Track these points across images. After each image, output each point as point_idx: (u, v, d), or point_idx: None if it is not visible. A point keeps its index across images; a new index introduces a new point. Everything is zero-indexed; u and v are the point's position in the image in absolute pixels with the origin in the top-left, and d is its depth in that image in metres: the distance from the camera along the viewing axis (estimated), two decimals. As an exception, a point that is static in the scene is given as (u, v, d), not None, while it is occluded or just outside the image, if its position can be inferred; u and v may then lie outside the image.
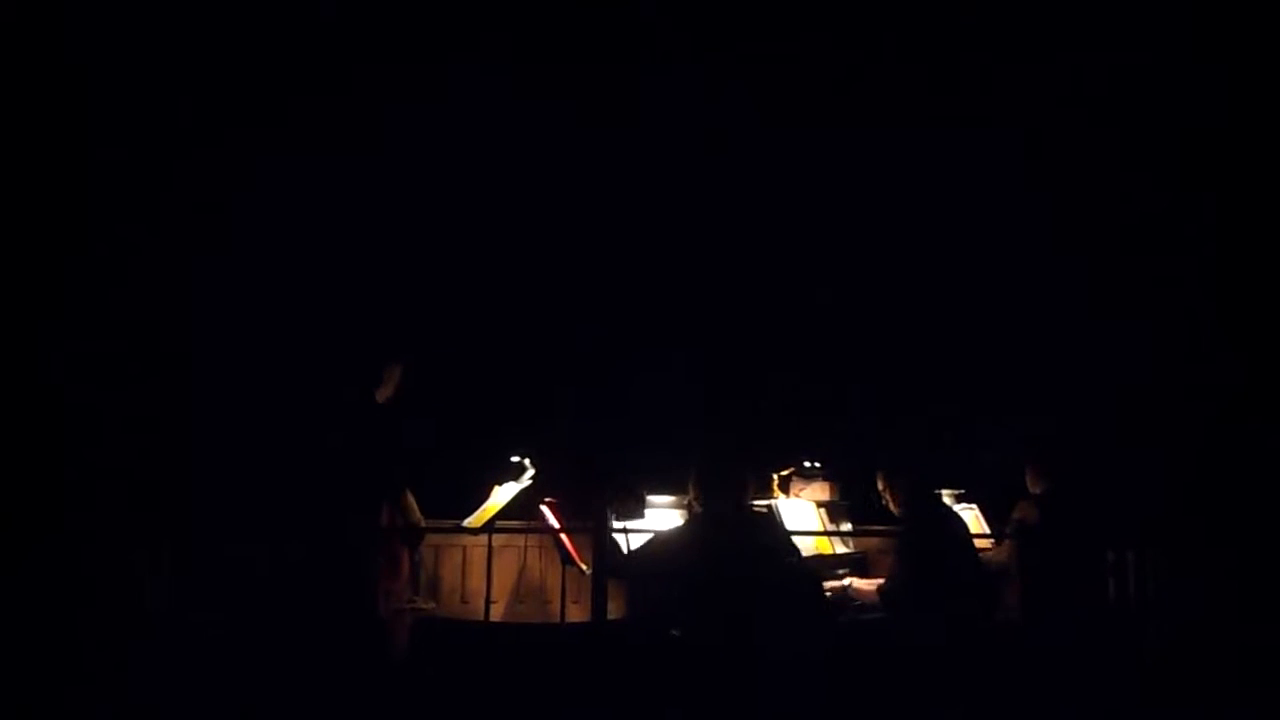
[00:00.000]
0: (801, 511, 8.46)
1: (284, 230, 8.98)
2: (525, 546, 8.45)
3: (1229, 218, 8.79)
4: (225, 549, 7.41)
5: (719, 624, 6.15)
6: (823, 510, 8.62)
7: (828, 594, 7.65)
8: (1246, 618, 7.63)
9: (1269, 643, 7.49)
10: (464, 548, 8.36)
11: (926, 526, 7.49)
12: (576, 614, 7.81)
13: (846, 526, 8.81)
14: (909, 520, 7.54)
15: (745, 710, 6.08)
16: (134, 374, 7.89)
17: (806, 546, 8.10)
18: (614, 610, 7.21)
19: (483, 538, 7.89)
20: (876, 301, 10.61)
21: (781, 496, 8.61)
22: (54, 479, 7.40)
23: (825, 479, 8.89)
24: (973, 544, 7.77)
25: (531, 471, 8.08)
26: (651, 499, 8.08)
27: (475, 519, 7.92)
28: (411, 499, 7.66)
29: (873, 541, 8.66)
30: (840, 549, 8.54)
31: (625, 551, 7.43)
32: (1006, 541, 8.15)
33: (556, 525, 7.87)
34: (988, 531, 8.74)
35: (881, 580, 7.65)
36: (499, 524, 7.87)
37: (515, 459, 8.17)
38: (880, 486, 7.72)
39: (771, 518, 8.00)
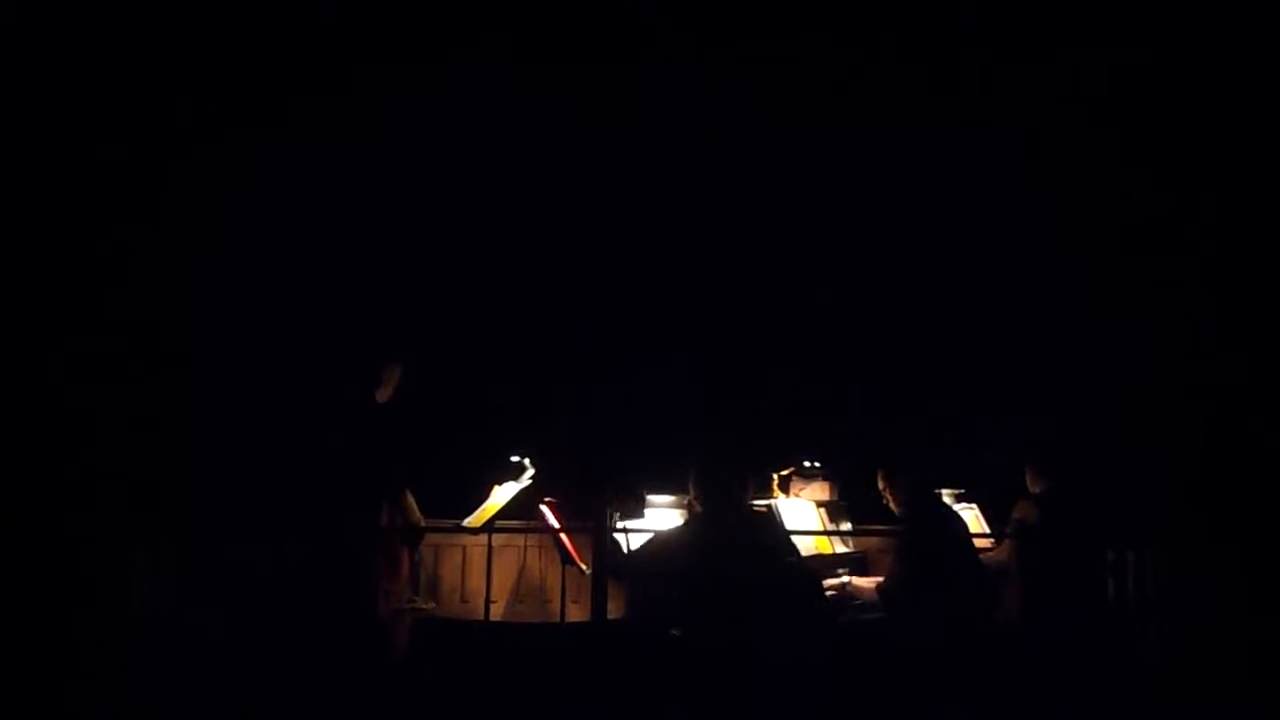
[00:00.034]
0: (801, 511, 8.46)
1: (284, 230, 8.98)
2: (525, 546, 8.47)
3: (1229, 218, 8.79)
4: (225, 549, 7.41)
5: (719, 624, 6.14)
6: (822, 510, 8.62)
7: (827, 593, 7.65)
8: (1246, 617, 7.63)
9: (1268, 642, 7.49)
10: (464, 547, 8.37)
11: (926, 526, 7.49)
12: (576, 614, 7.82)
13: (846, 526, 8.82)
14: (909, 520, 7.55)
15: (745, 710, 6.08)
16: (134, 374, 7.89)
17: (806, 546, 8.10)
18: (614, 610, 7.21)
19: (482, 537, 7.90)
20: (876, 301, 10.60)
21: (781, 496, 8.61)
22: (54, 479, 7.39)
23: (825, 479, 8.88)
24: (972, 543, 7.77)
25: (531, 471, 8.08)
26: (651, 499, 8.08)
27: (475, 519, 7.92)
28: (411, 499, 7.66)
29: (872, 541, 8.67)
30: (840, 548, 8.54)
31: (625, 551, 7.45)
32: (1006, 541, 8.15)
33: (556, 525, 7.87)
34: (987, 531, 8.74)
35: (880, 579, 7.65)
36: (499, 524, 7.87)
37: (515, 459, 8.18)
38: (881, 485, 7.72)
39: (771, 517, 8.00)
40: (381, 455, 7.59)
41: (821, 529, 8.50)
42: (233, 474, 7.59)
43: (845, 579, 8.00)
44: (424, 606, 7.98)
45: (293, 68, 8.88)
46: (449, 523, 8.03)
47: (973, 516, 8.91)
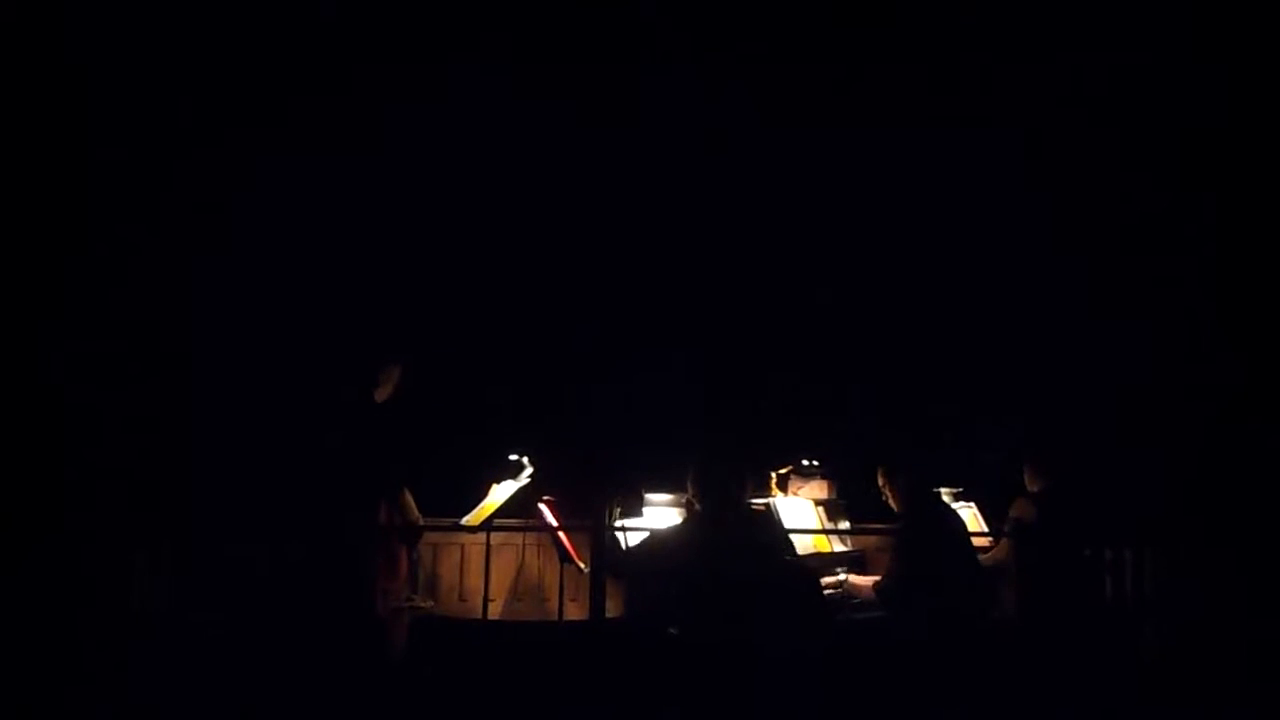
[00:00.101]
0: (799, 509, 8.46)
1: (284, 230, 8.98)
2: (523, 545, 8.49)
3: (1229, 218, 8.78)
4: (225, 548, 7.41)
5: (717, 622, 6.14)
6: (820, 508, 8.63)
7: (825, 592, 7.65)
8: (1244, 617, 7.63)
9: (1266, 642, 7.48)
10: (462, 546, 8.39)
11: (924, 524, 7.50)
12: (574, 612, 7.83)
13: (844, 524, 8.83)
14: (907, 518, 7.55)
15: (743, 708, 6.08)
16: (134, 374, 7.88)
17: (804, 544, 8.13)
18: (612, 609, 7.21)
19: (481, 536, 7.92)
20: (876, 301, 10.60)
21: (779, 494, 8.61)
22: (54, 479, 7.39)
23: (823, 477, 8.90)
24: (970, 542, 7.78)
25: (529, 470, 8.09)
26: (650, 497, 8.09)
27: (473, 517, 7.93)
28: (409, 497, 7.65)
29: (870, 539, 8.68)
30: (838, 547, 8.55)
31: (623, 548, 7.47)
32: (1004, 540, 8.16)
33: (554, 523, 7.88)
34: (986, 530, 8.75)
35: (878, 579, 7.65)
36: (497, 522, 7.90)
37: (513, 457, 8.18)
38: (880, 483, 7.73)
39: (769, 516, 8.01)
40: (380, 454, 7.57)
41: (820, 527, 8.50)
42: (232, 473, 7.58)
43: (843, 577, 8.00)
44: (422, 605, 7.98)
45: (293, 68, 8.87)
46: (447, 521, 8.04)
47: (971, 515, 8.94)
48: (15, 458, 7.37)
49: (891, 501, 7.67)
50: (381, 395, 7.79)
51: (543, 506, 7.94)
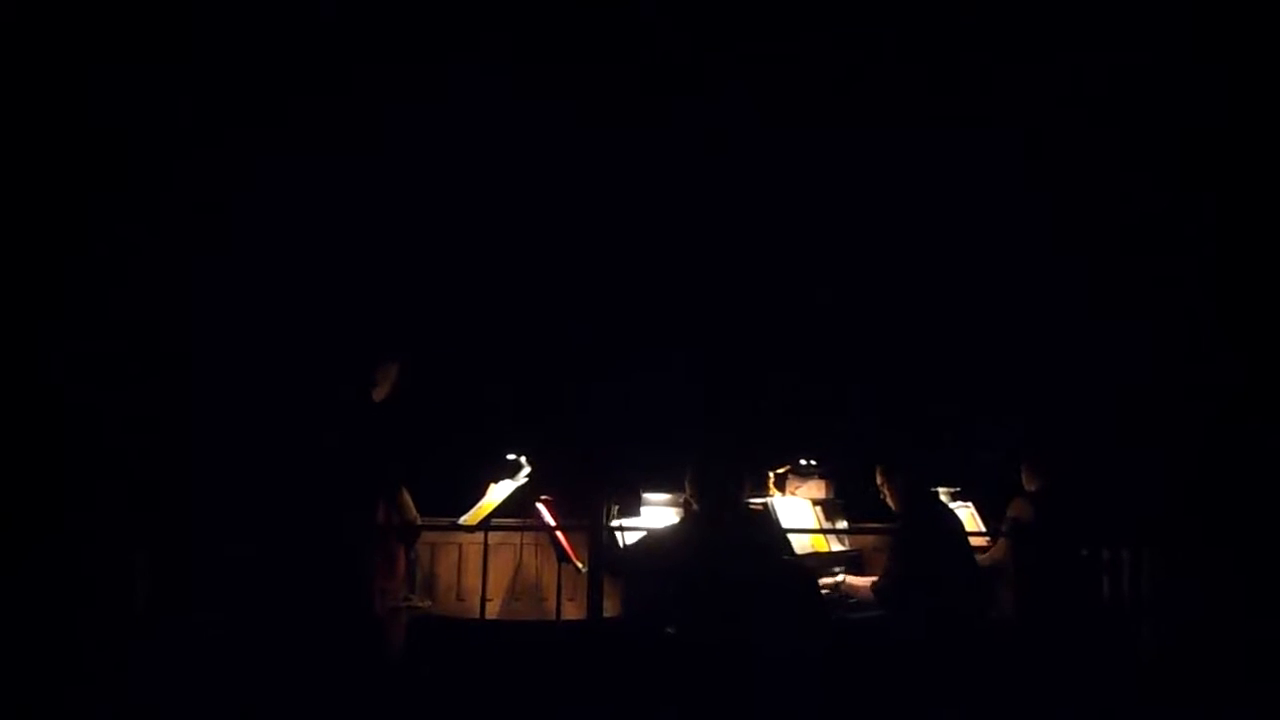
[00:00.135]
0: (797, 509, 8.46)
1: (284, 230, 8.98)
2: (521, 544, 8.46)
3: (1229, 218, 8.78)
4: (224, 548, 7.41)
5: (715, 622, 6.12)
6: (818, 508, 8.63)
7: (823, 592, 7.64)
8: (1241, 617, 7.62)
9: (1264, 642, 7.48)
10: (460, 545, 8.37)
11: (922, 524, 7.49)
12: (572, 612, 7.82)
13: (842, 524, 8.83)
14: (904, 518, 7.55)
15: (741, 708, 6.06)
16: (134, 374, 7.88)
17: (802, 544, 8.13)
18: (610, 608, 7.20)
19: (478, 535, 7.90)
20: (876, 301, 10.61)
21: (777, 494, 8.61)
22: (54, 479, 7.39)
23: (821, 477, 8.90)
24: (968, 541, 7.77)
25: (527, 469, 8.09)
26: (648, 497, 8.09)
27: (471, 516, 7.93)
28: (407, 496, 7.64)
29: (868, 539, 8.68)
30: (836, 546, 8.55)
31: (620, 546, 7.47)
32: (1002, 539, 8.16)
33: (552, 523, 7.88)
34: (983, 529, 8.75)
35: (875, 579, 7.65)
36: (495, 521, 7.89)
37: (511, 457, 8.19)
38: (879, 481, 7.73)
39: (767, 515, 8.00)
40: (377, 453, 7.56)
41: (817, 527, 8.50)
42: (231, 473, 7.58)
43: (840, 578, 7.99)
44: (420, 604, 7.97)
45: (293, 68, 8.87)
46: (445, 520, 8.04)
47: (968, 515, 8.94)
48: (15, 458, 7.36)
49: (890, 501, 7.67)
50: (379, 394, 7.78)
51: (540, 506, 7.94)
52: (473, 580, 8.11)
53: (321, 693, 6.87)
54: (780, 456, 8.81)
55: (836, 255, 10.36)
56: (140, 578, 7.29)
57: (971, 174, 9.71)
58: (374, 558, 7.52)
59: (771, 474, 8.72)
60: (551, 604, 7.88)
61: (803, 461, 8.90)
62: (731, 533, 6.36)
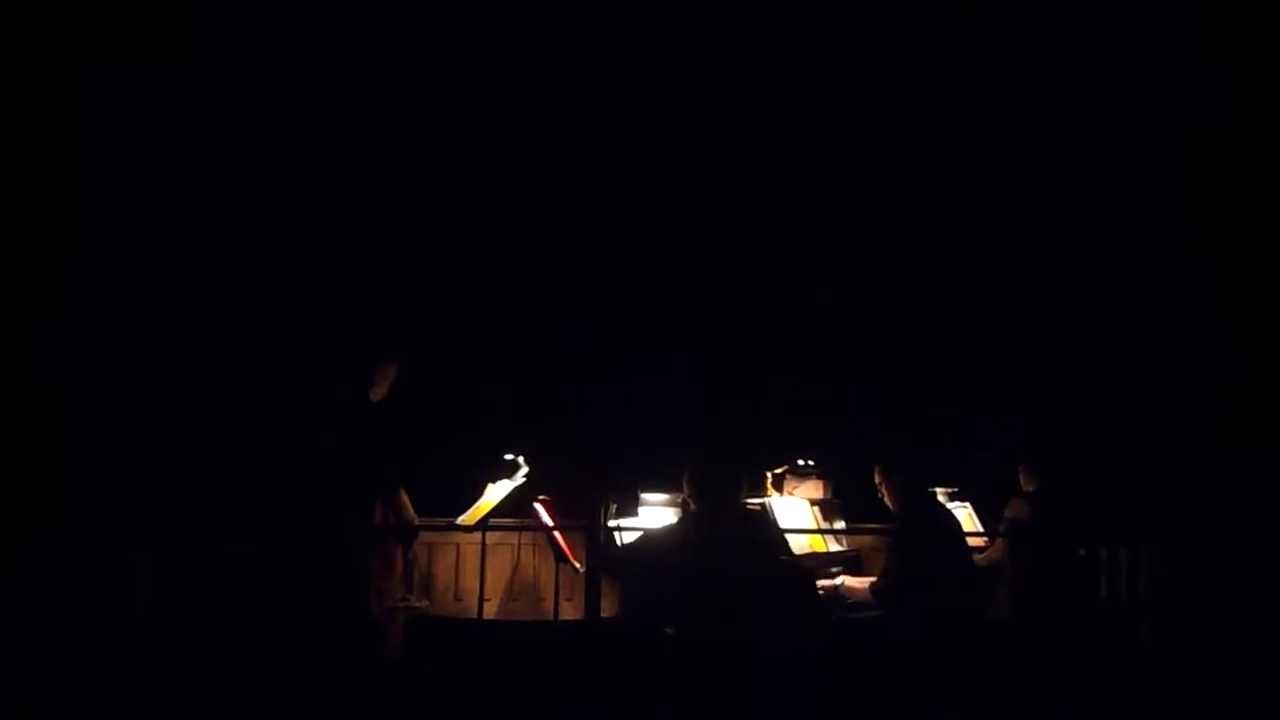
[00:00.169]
0: (795, 509, 8.46)
1: (283, 230, 8.98)
2: (519, 544, 8.46)
3: (1229, 218, 8.77)
4: (222, 548, 7.41)
5: (712, 622, 6.13)
6: (816, 508, 8.63)
7: (821, 592, 7.64)
8: (1238, 617, 7.62)
9: (1261, 642, 7.48)
10: (457, 545, 8.38)
11: (919, 524, 7.48)
12: (570, 612, 7.83)
13: (840, 524, 8.82)
14: (902, 518, 7.54)
15: (739, 709, 6.07)
16: (134, 374, 7.88)
17: (800, 544, 8.12)
18: (608, 608, 7.20)
19: (476, 535, 7.90)
20: (876, 301, 10.60)
21: (775, 494, 8.61)
22: (54, 479, 7.40)
23: (819, 477, 8.90)
24: (965, 542, 7.75)
25: (525, 469, 8.09)
26: (646, 497, 8.08)
27: (469, 516, 7.94)
28: (405, 496, 7.64)
29: (866, 539, 8.68)
30: (834, 547, 8.55)
31: (618, 545, 7.47)
32: (999, 540, 8.15)
33: (550, 523, 7.88)
34: (981, 529, 8.75)
35: (873, 579, 7.64)
36: (492, 521, 7.89)
37: (509, 456, 8.19)
38: (877, 480, 7.72)
39: (765, 515, 8.00)
40: (375, 453, 7.57)
41: (815, 527, 8.50)
42: (230, 473, 7.58)
43: (838, 581, 7.98)
44: (417, 605, 7.97)
45: (293, 68, 8.88)
46: (443, 520, 8.05)
47: (966, 515, 8.93)
48: (15, 458, 7.37)
49: (888, 500, 7.67)
50: (377, 394, 7.79)
51: (538, 506, 7.95)
52: (470, 580, 8.12)
53: (319, 693, 6.87)
54: (778, 456, 8.81)
55: (836, 255, 10.36)
56: (140, 578, 7.29)
57: (971, 174, 9.70)
58: (371, 558, 7.53)
59: (769, 474, 8.72)
60: (549, 604, 7.87)
61: (800, 462, 8.90)
62: (729, 533, 6.36)
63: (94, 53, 8.30)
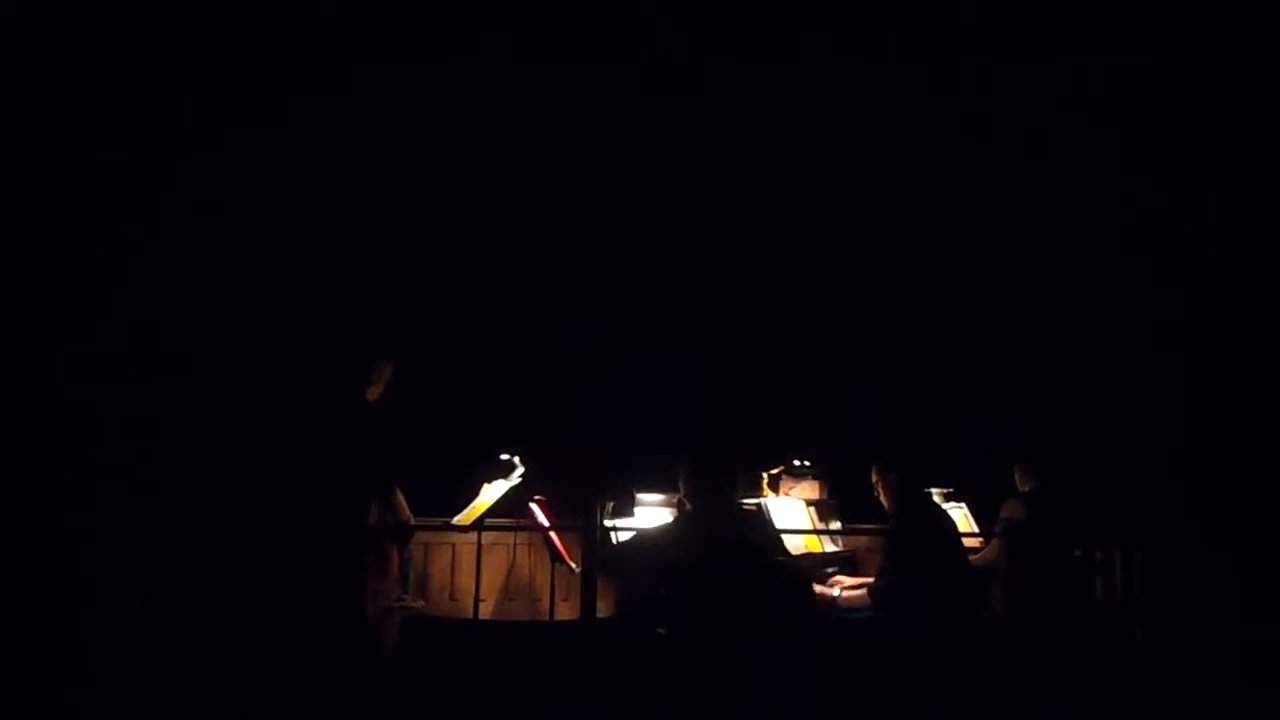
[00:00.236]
0: (791, 510, 8.45)
1: (283, 230, 8.99)
2: (514, 544, 8.47)
3: (1229, 218, 8.76)
4: (221, 548, 7.42)
5: (707, 623, 6.13)
6: (812, 509, 8.62)
7: (816, 595, 7.63)
8: (1234, 617, 7.61)
9: (1257, 642, 7.47)
10: (453, 545, 8.39)
11: (915, 525, 7.48)
12: (565, 612, 7.85)
13: (836, 525, 8.81)
14: (898, 518, 7.54)
15: (734, 709, 6.07)
16: (134, 374, 7.89)
17: (796, 545, 8.11)
18: (603, 608, 7.21)
19: (472, 535, 7.91)
20: (875, 301, 10.60)
21: (771, 495, 8.60)
22: (54, 479, 7.40)
23: (815, 477, 8.90)
24: (961, 542, 7.74)
25: (521, 469, 8.09)
26: (642, 497, 8.09)
27: (464, 516, 7.95)
28: (400, 497, 7.65)
29: (862, 540, 8.68)
30: (829, 547, 8.54)
31: (613, 543, 7.47)
32: (995, 540, 8.15)
33: (546, 523, 7.88)
34: (976, 530, 8.74)
35: (869, 580, 7.63)
36: (488, 522, 7.89)
37: (505, 457, 8.19)
38: (874, 479, 7.71)
39: (760, 516, 8.00)
40: (371, 453, 7.58)
41: (811, 528, 8.49)
42: (228, 473, 7.59)
43: (835, 593, 7.94)
44: (413, 605, 7.99)
45: (293, 68, 8.88)
46: (438, 520, 8.06)
47: (961, 515, 8.92)
48: (15, 458, 7.38)
49: (884, 499, 7.66)
50: (373, 394, 7.79)
51: (534, 506, 7.95)
52: (466, 580, 8.12)
53: (315, 693, 6.87)
54: (774, 457, 8.81)
55: (836, 255, 10.35)
56: (136, 576, 7.30)
57: (971, 174, 9.69)
58: (367, 558, 7.54)
59: (765, 474, 8.72)
60: (545, 604, 7.90)
61: (796, 462, 8.90)
62: (725, 533, 6.37)
63: (94, 53, 8.30)
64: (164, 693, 6.88)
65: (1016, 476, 8.16)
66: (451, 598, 8.34)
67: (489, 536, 8.05)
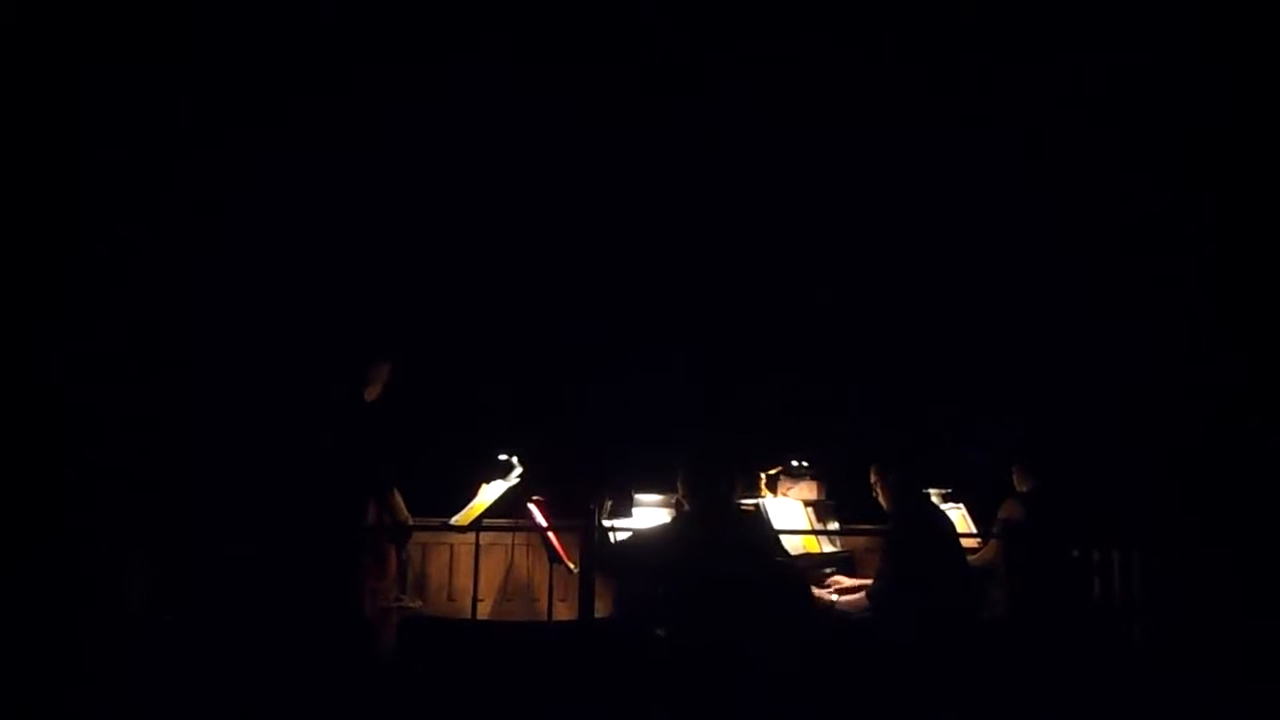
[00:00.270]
0: (789, 510, 8.45)
1: (283, 230, 8.99)
2: (513, 545, 8.48)
3: (1229, 218, 8.75)
4: (220, 548, 7.42)
5: (705, 623, 6.12)
6: (810, 509, 8.62)
7: (815, 596, 7.64)
8: (1232, 617, 7.60)
9: (1255, 642, 7.46)
10: (451, 546, 8.40)
11: (913, 526, 7.48)
12: (564, 612, 7.86)
13: (834, 525, 8.81)
14: (896, 519, 7.54)
15: (731, 709, 6.06)
16: (134, 374, 7.89)
17: (794, 545, 8.11)
18: (601, 609, 7.21)
19: (470, 536, 7.92)
20: (875, 302, 10.59)
21: (769, 495, 8.60)
22: (54, 479, 7.41)
23: (813, 478, 8.90)
24: (959, 543, 7.74)
25: (519, 470, 8.09)
26: (640, 498, 8.09)
27: (463, 517, 7.94)
28: (399, 497, 7.67)
29: (860, 540, 8.68)
30: (828, 548, 8.54)
31: (611, 542, 7.47)
32: (993, 541, 8.15)
33: (544, 523, 7.88)
34: (974, 531, 8.74)
35: (867, 582, 7.63)
36: (486, 522, 7.88)
37: (503, 457, 8.19)
38: (873, 480, 7.71)
39: (759, 516, 8.01)
40: (369, 453, 7.59)
41: (809, 528, 8.49)
42: (227, 473, 7.60)
43: (833, 597, 7.93)
44: (411, 605, 7.99)
45: (293, 68, 8.88)
46: (436, 521, 8.06)
47: (960, 516, 8.92)
48: (15, 458, 7.38)
49: (882, 499, 7.66)
50: (371, 394, 7.80)
51: (532, 506, 7.96)
52: (464, 581, 8.11)
53: (313, 693, 6.86)
54: (772, 457, 8.81)
55: (836, 255, 10.35)
56: (136, 576, 7.31)
57: (971, 174, 9.68)
58: (365, 558, 7.54)
59: (763, 475, 8.71)
60: (543, 604, 7.91)
61: (795, 462, 8.90)
62: (723, 533, 6.36)
63: (94, 53, 8.30)
64: (164, 693, 6.88)
65: (1015, 477, 8.16)
66: (449, 598, 8.35)
67: (487, 537, 8.05)
